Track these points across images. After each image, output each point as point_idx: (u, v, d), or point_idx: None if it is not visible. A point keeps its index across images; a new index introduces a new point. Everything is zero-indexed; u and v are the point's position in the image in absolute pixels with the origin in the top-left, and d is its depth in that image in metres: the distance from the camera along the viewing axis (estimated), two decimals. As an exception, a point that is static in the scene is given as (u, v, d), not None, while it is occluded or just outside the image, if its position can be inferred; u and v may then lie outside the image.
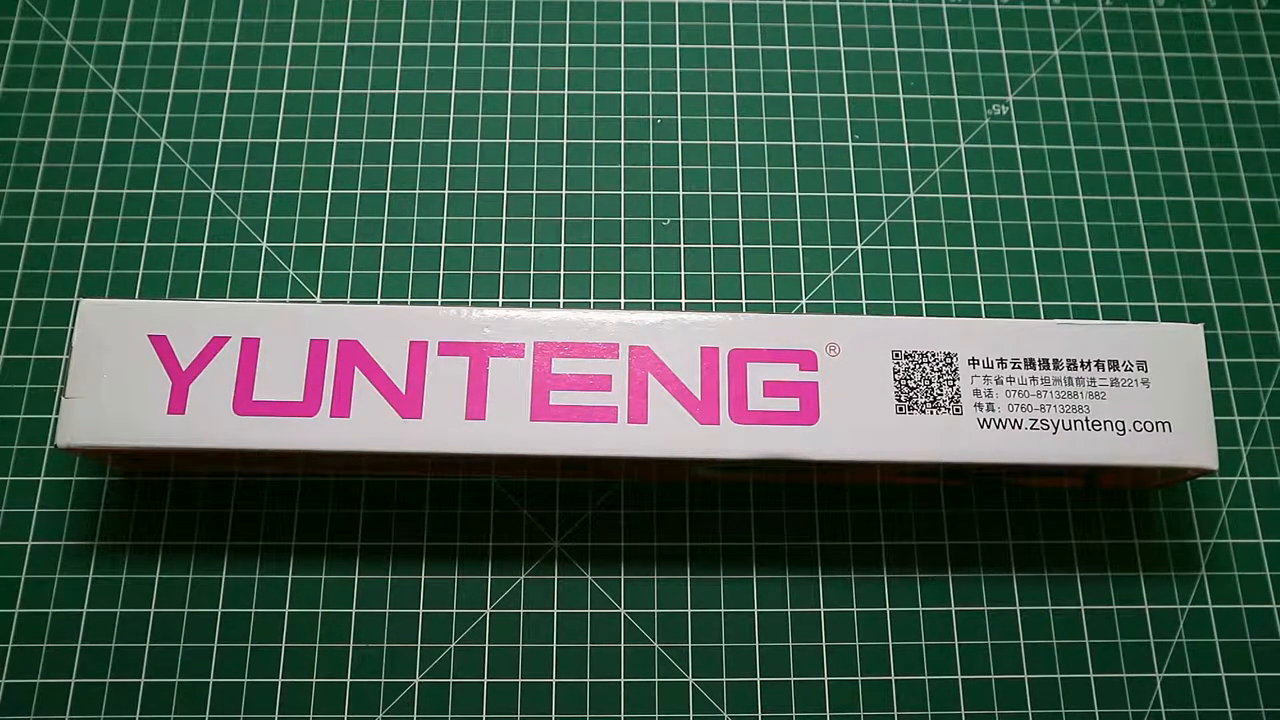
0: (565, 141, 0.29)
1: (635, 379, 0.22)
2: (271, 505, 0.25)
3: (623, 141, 0.29)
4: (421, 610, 0.25)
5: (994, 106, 0.30)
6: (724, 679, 0.24)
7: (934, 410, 0.22)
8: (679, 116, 0.30)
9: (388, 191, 0.29)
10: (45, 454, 0.26)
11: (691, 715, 0.24)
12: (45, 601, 0.24)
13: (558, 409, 0.22)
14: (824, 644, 0.25)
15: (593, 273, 0.28)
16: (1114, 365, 0.23)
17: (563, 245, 0.28)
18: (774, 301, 0.28)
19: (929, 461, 0.22)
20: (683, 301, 0.28)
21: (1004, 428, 0.22)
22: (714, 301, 0.28)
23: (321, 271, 0.28)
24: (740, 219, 0.29)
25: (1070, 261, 0.28)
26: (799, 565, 0.25)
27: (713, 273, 0.28)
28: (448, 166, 0.29)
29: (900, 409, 0.22)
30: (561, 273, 0.28)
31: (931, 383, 0.23)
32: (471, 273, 0.28)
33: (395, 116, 0.29)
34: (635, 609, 0.25)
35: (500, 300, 0.28)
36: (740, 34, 0.31)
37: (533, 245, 0.28)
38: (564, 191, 0.29)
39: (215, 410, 0.22)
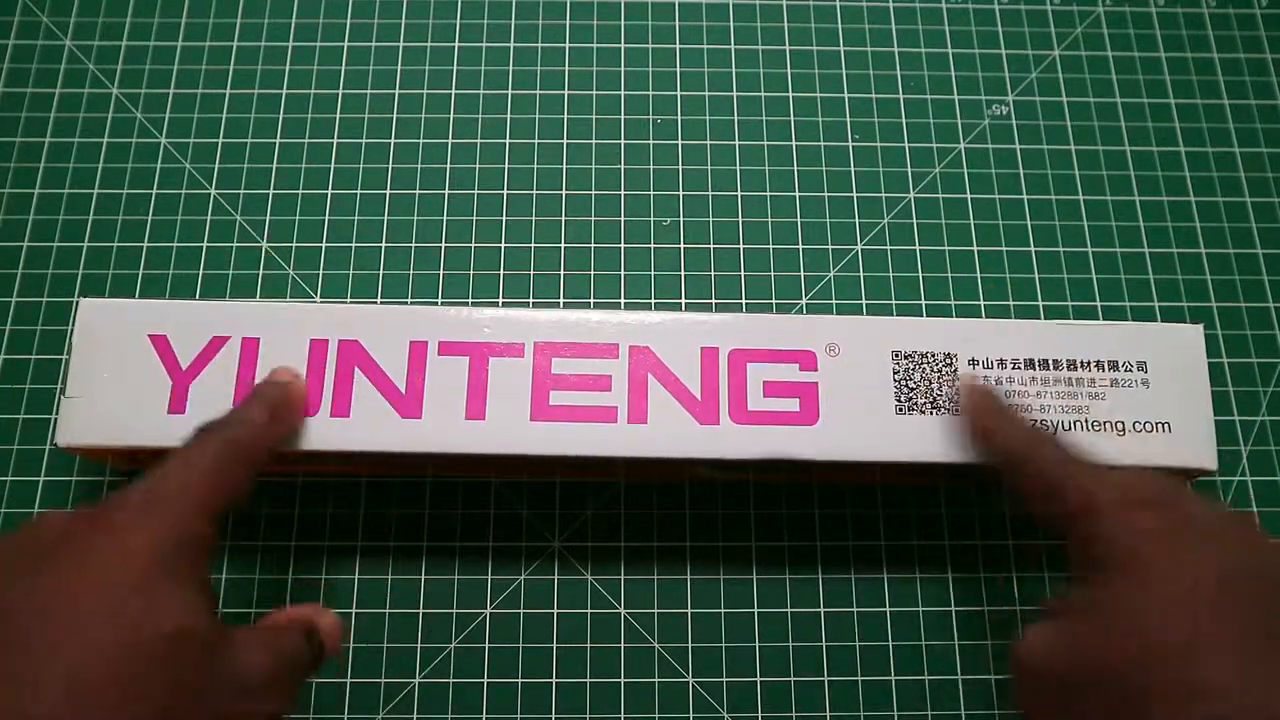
0: (565, 141, 0.29)
1: (635, 379, 0.22)
2: (271, 505, 0.25)
3: (623, 141, 0.29)
4: (421, 610, 0.25)
5: (994, 106, 0.30)
6: (724, 679, 0.24)
7: (934, 410, 0.22)
8: (679, 116, 0.30)
9: (388, 191, 0.29)
10: (45, 454, 0.26)
11: (691, 715, 0.24)
12: (45, 601, 0.24)
13: (558, 409, 0.22)
14: (824, 644, 0.25)
15: (593, 273, 0.28)
16: (1114, 365, 0.23)
17: (563, 245, 0.28)
18: (774, 301, 0.28)
19: (929, 461, 0.22)
20: (683, 301, 0.28)
21: (1004, 428, 0.22)
22: (714, 301, 0.28)
23: (321, 271, 0.28)
24: (740, 219, 0.29)
25: (1070, 261, 0.28)
26: (799, 565, 0.25)
27: (713, 273, 0.28)
28: (448, 166, 0.29)
29: (900, 409, 0.22)
30: (561, 273, 0.28)
31: (931, 383, 0.23)
32: (471, 273, 0.28)
33: (395, 116, 0.29)
34: (635, 609, 0.25)
35: (500, 300, 0.28)
36: (740, 34, 0.31)
37: (533, 245, 0.28)
38: (564, 191, 0.29)
39: (215, 410, 0.22)
